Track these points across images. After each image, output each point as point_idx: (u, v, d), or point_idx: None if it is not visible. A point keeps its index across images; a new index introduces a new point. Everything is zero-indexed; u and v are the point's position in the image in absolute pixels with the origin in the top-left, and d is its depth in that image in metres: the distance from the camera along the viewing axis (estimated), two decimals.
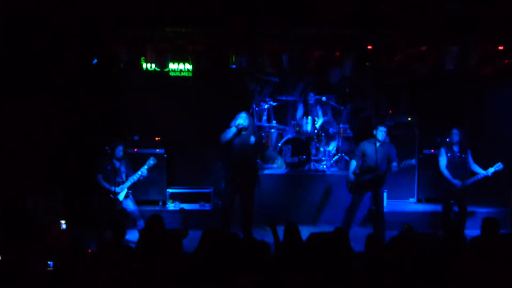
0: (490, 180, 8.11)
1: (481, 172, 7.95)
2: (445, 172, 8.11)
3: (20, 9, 7.50)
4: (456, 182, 8.00)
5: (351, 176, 7.95)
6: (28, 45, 8.01)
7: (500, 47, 8.49)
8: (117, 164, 8.11)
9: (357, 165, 8.00)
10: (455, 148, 8.12)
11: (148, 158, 8.34)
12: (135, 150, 9.13)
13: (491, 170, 7.86)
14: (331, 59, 9.47)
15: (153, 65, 9.10)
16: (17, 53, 8.06)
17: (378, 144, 7.84)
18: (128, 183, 8.03)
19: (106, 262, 4.76)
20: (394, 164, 7.70)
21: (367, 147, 7.92)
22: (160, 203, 9.35)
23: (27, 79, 8.47)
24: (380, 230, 7.80)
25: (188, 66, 9.75)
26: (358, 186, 7.91)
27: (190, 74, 9.83)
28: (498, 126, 9.85)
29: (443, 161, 8.15)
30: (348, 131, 9.99)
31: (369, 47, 8.71)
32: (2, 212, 7.91)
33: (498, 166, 7.82)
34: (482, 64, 8.88)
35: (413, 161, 7.74)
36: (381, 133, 7.82)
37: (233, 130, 7.61)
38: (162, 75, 9.51)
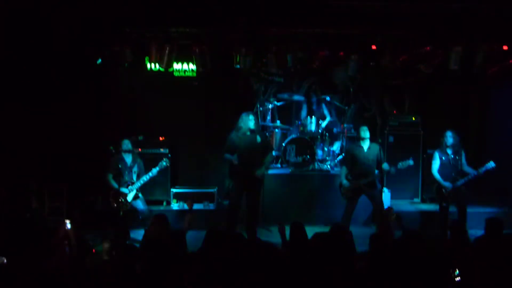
0: (493, 179, 8.08)
1: (472, 172, 7.90)
2: (436, 175, 8.08)
3: (20, 9, 7.52)
4: (447, 184, 7.94)
5: (346, 182, 7.91)
6: (28, 45, 8.04)
7: (505, 47, 8.45)
8: (130, 163, 8.08)
9: (348, 171, 8.00)
10: (449, 151, 8.06)
11: (153, 158, 8.34)
12: (140, 150, 9.15)
13: (482, 169, 7.75)
14: (335, 59, 9.47)
15: (157, 65, 9.11)
16: (17, 53, 8.08)
17: (366, 147, 7.85)
18: (138, 184, 7.97)
19: (110, 261, 4.78)
20: (392, 169, 7.70)
21: (356, 151, 7.91)
22: (164, 203, 9.38)
23: (28, 79, 8.51)
24: (382, 229, 7.77)
25: (192, 66, 9.77)
26: (353, 191, 7.89)
27: (194, 74, 9.86)
28: (504, 126, 9.81)
29: (435, 164, 8.12)
30: (352, 131, 9.97)
31: (373, 47, 8.70)
32: (7, 212, 7.94)
33: (490, 164, 7.70)
34: (487, 64, 8.84)
35: (411, 161, 7.71)
36: (362, 132, 7.86)
37: (234, 158, 7.67)
38: (166, 75, 9.54)
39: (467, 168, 8.01)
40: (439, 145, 8.29)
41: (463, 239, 5.48)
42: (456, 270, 4.50)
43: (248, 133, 7.76)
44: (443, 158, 8.09)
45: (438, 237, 7.59)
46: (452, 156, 8.04)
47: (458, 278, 4.47)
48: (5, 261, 5.14)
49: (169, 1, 7.90)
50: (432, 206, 9.37)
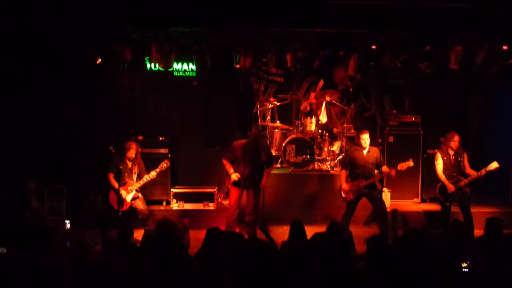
0: (494, 179, 8.07)
1: (473, 174, 7.86)
2: (441, 175, 8.04)
3: (20, 9, 7.51)
4: (450, 185, 7.93)
5: (345, 185, 7.91)
6: (28, 45, 8.03)
7: (505, 47, 8.46)
8: (130, 164, 8.08)
9: (348, 174, 8.00)
10: (450, 152, 8.05)
11: (153, 158, 8.32)
12: (139, 150, 9.13)
13: (485, 170, 7.74)
14: (335, 58, 9.46)
15: (157, 65, 9.11)
16: (17, 53, 8.07)
17: (365, 151, 7.86)
18: (137, 184, 7.96)
19: (111, 261, 4.78)
20: (392, 170, 7.72)
21: (355, 154, 7.92)
22: (164, 203, 9.37)
23: (28, 79, 8.50)
24: (383, 229, 7.78)
25: (192, 66, 9.77)
26: (353, 194, 7.88)
27: (194, 74, 9.86)
28: (504, 126, 9.81)
29: (439, 164, 8.08)
30: (353, 131, 9.96)
31: (373, 47, 8.70)
32: (7, 212, 7.94)
33: (493, 165, 7.69)
34: (487, 63, 8.84)
35: (410, 162, 7.71)
36: (363, 141, 7.84)
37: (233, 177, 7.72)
38: (166, 75, 9.53)
39: (469, 171, 7.95)
40: (439, 145, 8.28)
41: (464, 239, 5.47)
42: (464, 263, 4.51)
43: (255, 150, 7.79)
44: (445, 158, 8.06)
45: (438, 237, 7.58)
46: (454, 157, 8.01)
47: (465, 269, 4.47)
48: (4, 251, 5.16)
49: (169, 1, 7.90)
50: (432, 206, 9.37)
